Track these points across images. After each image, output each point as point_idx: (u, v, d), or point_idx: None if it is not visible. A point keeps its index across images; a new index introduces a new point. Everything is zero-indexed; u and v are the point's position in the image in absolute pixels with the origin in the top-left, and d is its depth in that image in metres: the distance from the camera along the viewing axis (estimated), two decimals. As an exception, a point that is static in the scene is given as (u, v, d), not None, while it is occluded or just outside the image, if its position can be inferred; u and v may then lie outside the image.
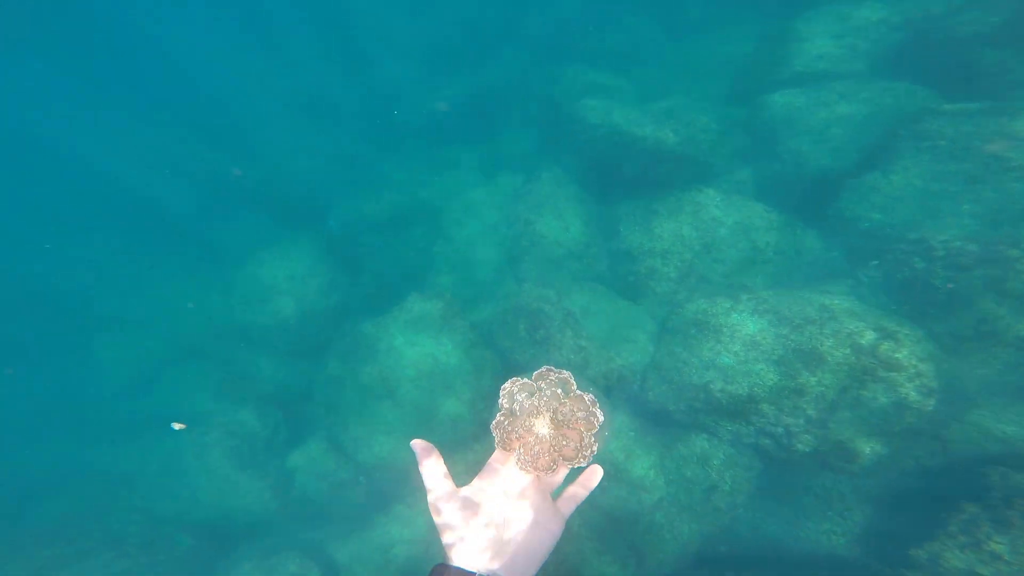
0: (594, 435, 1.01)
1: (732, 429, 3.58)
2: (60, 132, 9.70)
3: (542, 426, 0.99)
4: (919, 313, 3.59)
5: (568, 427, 0.99)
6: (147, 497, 4.86)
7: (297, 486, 4.69)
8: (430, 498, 0.93)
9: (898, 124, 4.46)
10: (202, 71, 10.04)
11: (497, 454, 1.00)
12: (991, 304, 3.37)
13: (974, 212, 3.73)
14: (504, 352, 4.64)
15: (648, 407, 3.89)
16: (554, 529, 0.93)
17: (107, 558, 4.19)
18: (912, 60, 4.98)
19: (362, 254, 6.10)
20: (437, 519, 0.90)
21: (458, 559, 0.85)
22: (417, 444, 0.97)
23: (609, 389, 4.09)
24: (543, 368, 1.05)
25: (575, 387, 1.04)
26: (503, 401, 1.03)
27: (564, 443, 0.98)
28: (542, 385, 1.03)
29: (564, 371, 1.04)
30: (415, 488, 4.20)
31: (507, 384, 1.04)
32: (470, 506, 0.91)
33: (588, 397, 1.02)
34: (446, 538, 0.88)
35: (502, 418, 1.01)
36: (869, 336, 3.29)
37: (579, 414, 0.99)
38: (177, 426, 5.02)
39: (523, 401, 1.02)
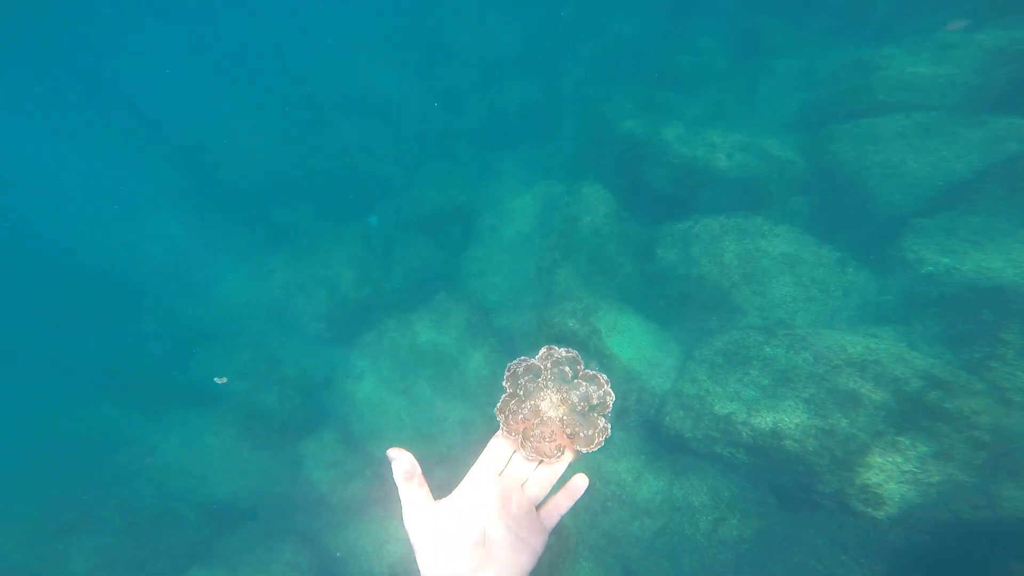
0: (607, 416, 0.93)
1: (749, 463, 3.36)
2: (169, 107, 10.58)
3: (551, 408, 0.91)
4: (981, 366, 3.22)
5: (579, 409, 0.92)
6: (163, 470, 5.02)
7: (304, 472, 4.74)
8: (405, 513, 0.86)
9: (991, 163, 4.08)
10: (291, 65, 10.73)
11: (484, 455, 0.92)
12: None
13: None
14: (523, 361, 4.53)
15: (663, 432, 3.70)
16: (536, 546, 0.87)
17: (118, 526, 4.37)
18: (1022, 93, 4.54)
19: (397, 251, 6.21)
20: (412, 536, 0.83)
21: None
22: (394, 453, 0.89)
23: (626, 410, 3.92)
24: (548, 347, 0.97)
25: (583, 366, 0.96)
26: (510, 383, 0.95)
27: (575, 426, 0.90)
28: (549, 365, 0.95)
29: (571, 349, 0.96)
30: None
31: (512, 364, 0.96)
32: (448, 522, 0.84)
33: (600, 376, 0.94)
34: (421, 556, 0.81)
35: (508, 400, 0.93)
36: (915, 384, 3.03)
37: (592, 394, 0.92)
38: (220, 380, 5.19)
39: (529, 382, 0.94)
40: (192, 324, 6.46)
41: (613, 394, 0.92)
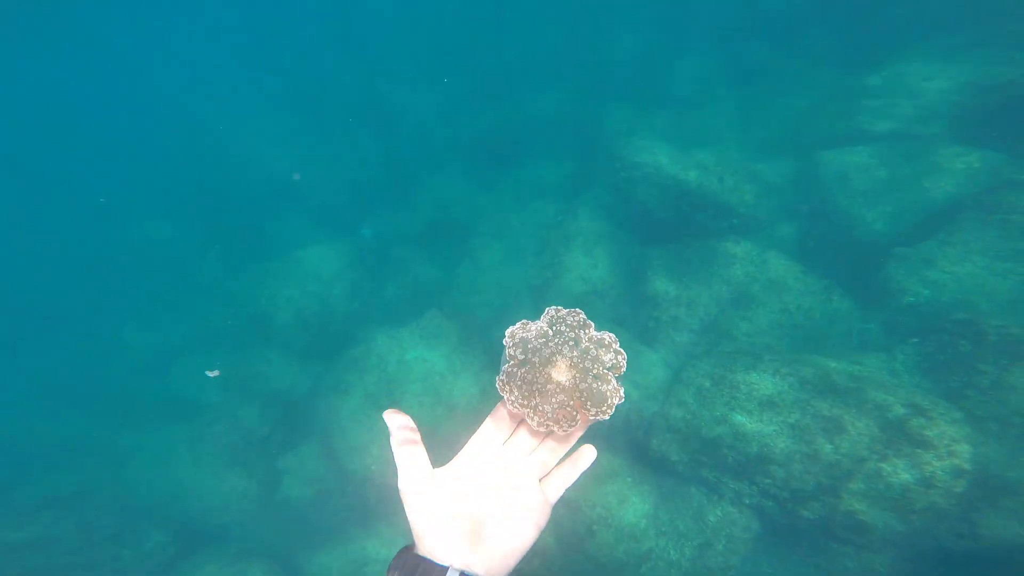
0: (619, 379, 0.85)
1: (735, 487, 3.38)
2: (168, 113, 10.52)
3: (561, 374, 0.83)
4: (959, 395, 3.29)
5: (590, 373, 0.84)
6: (131, 484, 4.82)
7: (283, 489, 4.62)
8: (401, 479, 0.78)
9: (966, 193, 4.21)
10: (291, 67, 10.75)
11: (486, 426, 0.87)
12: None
13: (1040, 298, 3.44)
14: (512, 379, 4.51)
15: (650, 455, 3.68)
16: (539, 520, 0.80)
17: (72, 545, 4.13)
18: (995, 126, 4.70)
19: (389, 265, 6.17)
20: (408, 503, 0.77)
21: (429, 550, 0.72)
22: (391, 416, 0.83)
23: (614, 431, 3.90)
24: (552, 308, 0.89)
25: (593, 327, 0.88)
26: (513, 350, 0.85)
27: (588, 392, 0.82)
28: (555, 327, 0.87)
29: (577, 310, 0.88)
30: (397, 507, 4.07)
31: (513, 329, 0.87)
32: (447, 491, 0.78)
33: (609, 336, 0.86)
34: (417, 526, 0.75)
35: (513, 369, 0.83)
36: (898, 410, 3.09)
37: (604, 357, 0.84)
38: (212, 373, 5.08)
39: (536, 347, 0.84)
40: (173, 334, 6.33)
41: (624, 354, 0.86)
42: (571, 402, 0.82)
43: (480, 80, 8.78)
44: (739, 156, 5.33)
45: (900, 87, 5.31)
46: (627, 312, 4.99)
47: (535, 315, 0.93)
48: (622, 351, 0.86)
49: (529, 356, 0.84)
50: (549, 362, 0.84)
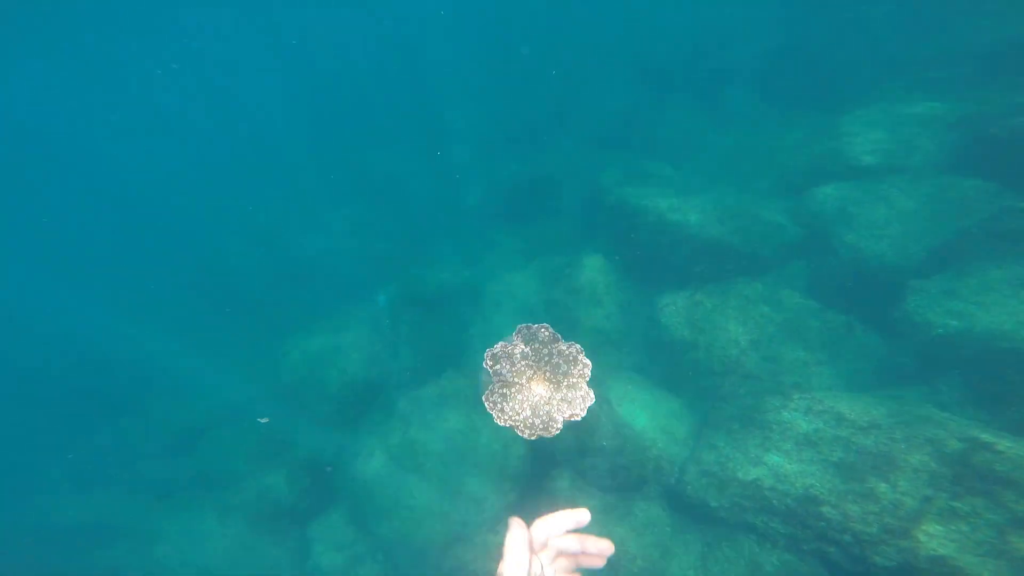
0: (588, 383, 1.03)
1: (786, 532, 3.17)
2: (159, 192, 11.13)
3: (538, 386, 0.99)
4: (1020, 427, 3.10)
5: (562, 381, 1.00)
6: (162, 562, 4.79)
7: (313, 558, 4.51)
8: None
9: (970, 222, 4.23)
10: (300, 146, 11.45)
11: (511, 536, 0.90)
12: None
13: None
14: (533, 435, 4.44)
15: (686, 501, 3.52)
16: None
17: None
18: (975, 157, 4.83)
19: (404, 329, 6.26)
20: None
21: None
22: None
23: (644, 479, 3.75)
24: (521, 326, 1.06)
25: (561, 339, 1.05)
26: (494, 367, 1.01)
27: (562, 399, 0.98)
28: (526, 346, 1.03)
29: (545, 324, 1.06)
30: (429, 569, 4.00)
31: (493, 350, 1.04)
32: None
33: (574, 347, 1.03)
34: None
35: (497, 387, 0.99)
36: (955, 445, 2.92)
37: (573, 367, 1.01)
38: (263, 420, 5.32)
39: (514, 364, 1.01)
40: (200, 410, 6.39)
41: (590, 363, 1.02)
42: (548, 409, 0.96)
43: (479, 146, 9.28)
44: (736, 198, 5.48)
45: (878, 123, 5.56)
46: (644, 359, 4.95)
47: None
48: (587, 360, 1.03)
49: (507, 374, 0.99)
50: (527, 377, 0.98)
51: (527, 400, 0.96)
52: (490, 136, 9.41)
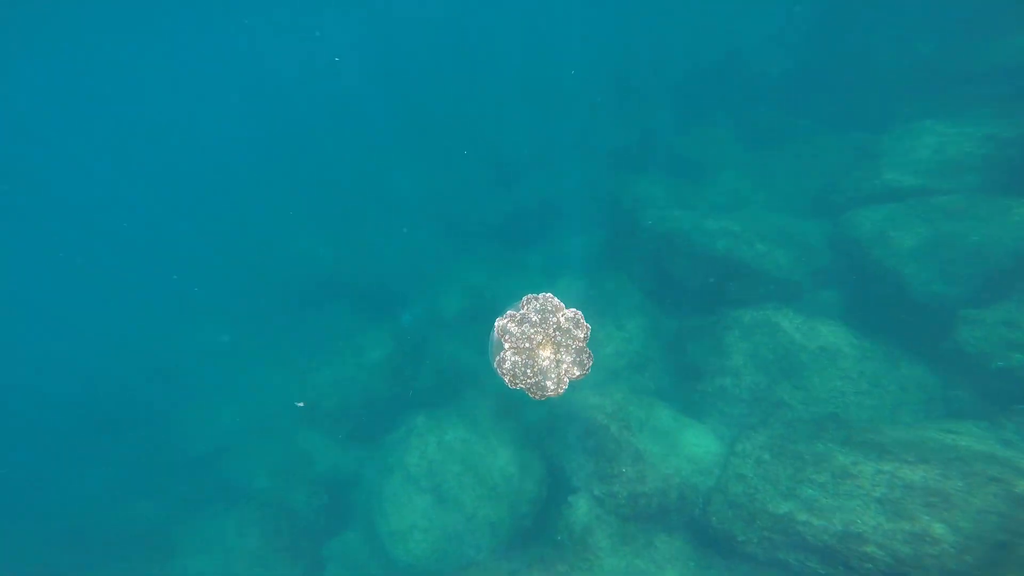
0: (589, 348, 1.16)
1: (826, 573, 2.91)
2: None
3: (545, 351, 1.11)
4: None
5: (565, 345, 1.11)
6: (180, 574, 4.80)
7: (325, 577, 4.30)
8: None
9: None
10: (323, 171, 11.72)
11: None
12: None
13: None
14: (551, 457, 4.37)
15: (711, 533, 3.26)
16: None
17: None
18: None
19: (427, 349, 6.21)
20: None
21: None
22: None
23: (666, 509, 3.44)
24: (526, 297, 1.16)
25: (563, 306, 1.17)
26: (503, 339, 1.12)
27: (567, 362, 1.10)
28: (531, 314, 1.13)
29: (548, 294, 1.18)
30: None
31: (500, 322, 1.15)
32: None
33: (574, 313, 1.14)
34: None
35: (508, 355, 1.11)
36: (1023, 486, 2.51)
37: (574, 332, 1.12)
38: (300, 404, 5.58)
39: (521, 334, 1.12)
40: (225, 426, 6.42)
41: (589, 326, 1.15)
42: (556, 372, 1.12)
43: (499, 168, 9.31)
44: (766, 220, 5.24)
45: (917, 143, 5.21)
46: (668, 384, 4.68)
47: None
48: (587, 324, 1.16)
49: (516, 342, 1.13)
50: (534, 344, 1.12)
51: (535, 363, 1.10)
52: (514, 156, 9.45)
